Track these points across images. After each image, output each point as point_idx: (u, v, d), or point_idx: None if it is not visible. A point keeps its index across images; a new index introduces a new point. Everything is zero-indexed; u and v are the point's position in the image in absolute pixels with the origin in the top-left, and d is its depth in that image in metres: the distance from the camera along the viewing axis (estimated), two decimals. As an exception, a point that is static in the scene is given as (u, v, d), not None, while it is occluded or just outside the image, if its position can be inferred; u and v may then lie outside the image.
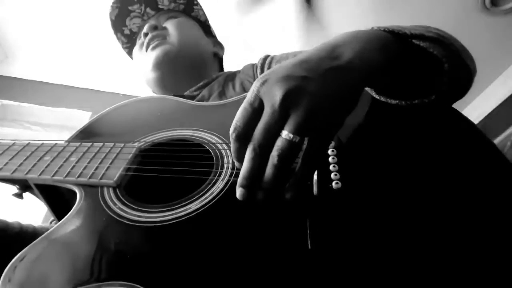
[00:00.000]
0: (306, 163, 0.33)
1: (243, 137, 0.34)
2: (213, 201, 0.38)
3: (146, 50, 0.75)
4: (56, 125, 2.29)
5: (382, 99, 0.46)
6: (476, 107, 2.22)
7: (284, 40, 2.01)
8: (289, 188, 0.34)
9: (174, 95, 0.60)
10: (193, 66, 0.77)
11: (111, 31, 0.86)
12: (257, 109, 0.34)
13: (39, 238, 0.35)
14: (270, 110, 0.32)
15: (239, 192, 0.34)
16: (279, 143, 0.32)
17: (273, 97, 0.32)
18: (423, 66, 0.43)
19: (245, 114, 0.34)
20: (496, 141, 2.08)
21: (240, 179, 0.34)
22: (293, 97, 0.32)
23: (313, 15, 1.89)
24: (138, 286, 0.30)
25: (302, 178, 0.34)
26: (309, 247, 0.31)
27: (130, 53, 0.89)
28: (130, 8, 0.82)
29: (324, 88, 0.33)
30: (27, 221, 0.59)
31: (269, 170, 0.32)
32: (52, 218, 0.69)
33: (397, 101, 0.45)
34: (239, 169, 0.35)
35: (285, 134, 0.32)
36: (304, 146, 0.33)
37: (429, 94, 0.43)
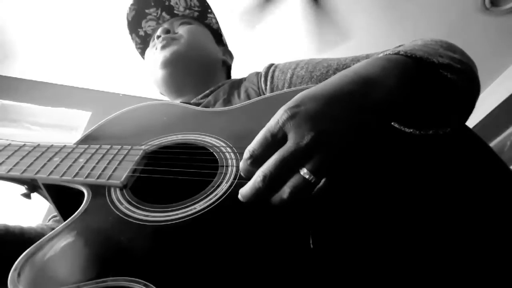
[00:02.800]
0: (318, 197, 0.33)
1: (259, 164, 0.34)
2: (218, 202, 0.38)
3: (158, 51, 0.77)
4: (56, 125, 2.30)
5: (396, 125, 0.44)
6: (476, 107, 2.22)
7: (296, 42, 2.02)
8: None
9: (181, 102, 0.62)
10: (200, 70, 0.79)
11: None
12: (278, 141, 0.33)
13: (46, 236, 0.36)
14: (293, 148, 0.31)
15: (240, 199, 0.35)
16: (294, 180, 0.31)
17: (301, 135, 0.31)
18: (443, 95, 0.42)
19: (264, 143, 0.33)
20: (496, 140, 2.08)
21: (242, 194, 0.34)
22: (323, 141, 0.31)
23: (321, 10, 1.90)
24: (143, 281, 0.31)
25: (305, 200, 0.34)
26: (311, 246, 0.32)
27: (143, 53, 0.91)
28: (147, 11, 0.85)
29: (352, 134, 0.32)
30: (27, 222, 0.59)
31: (276, 199, 0.33)
32: (50, 215, 0.70)
33: (411, 130, 0.43)
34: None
35: (305, 172, 0.31)
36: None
37: (443, 124, 0.42)
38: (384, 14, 1.90)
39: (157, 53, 0.77)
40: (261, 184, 0.32)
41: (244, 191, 0.34)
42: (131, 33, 0.89)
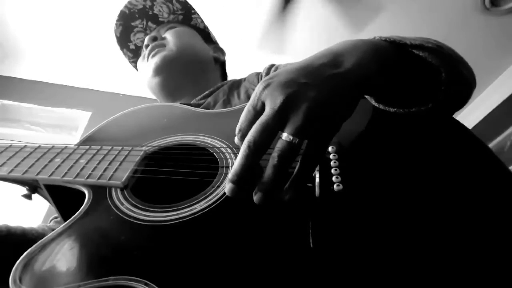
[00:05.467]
0: (305, 165, 0.35)
1: None
2: (218, 202, 0.39)
3: (148, 60, 0.78)
4: (56, 125, 2.29)
5: (381, 107, 0.47)
6: (476, 107, 2.22)
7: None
8: (288, 190, 0.35)
9: (181, 103, 0.62)
10: (192, 70, 0.80)
11: (115, 44, 0.89)
12: (259, 112, 0.35)
13: (48, 236, 0.36)
14: (270, 112, 0.34)
15: (228, 187, 0.34)
16: (279, 145, 0.33)
17: (274, 100, 0.34)
18: (421, 74, 0.44)
19: (248, 116, 0.36)
20: (496, 140, 2.08)
21: (231, 175, 0.34)
22: (293, 101, 0.33)
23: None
24: (144, 281, 0.31)
25: (300, 179, 0.35)
26: (311, 246, 0.33)
27: (137, 67, 0.91)
28: (132, 24, 0.86)
29: (323, 94, 0.34)
30: (27, 222, 0.60)
31: (269, 170, 0.33)
32: (52, 216, 0.71)
33: (395, 109, 0.46)
34: None
35: (285, 136, 0.33)
36: (303, 149, 0.34)
37: (426, 102, 0.45)
38: (384, 14, 1.90)
39: (148, 62, 0.78)
40: (248, 150, 0.33)
41: (234, 167, 0.34)
42: (122, 48, 0.90)
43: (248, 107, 0.36)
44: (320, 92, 0.34)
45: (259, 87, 0.36)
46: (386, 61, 0.40)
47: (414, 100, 0.46)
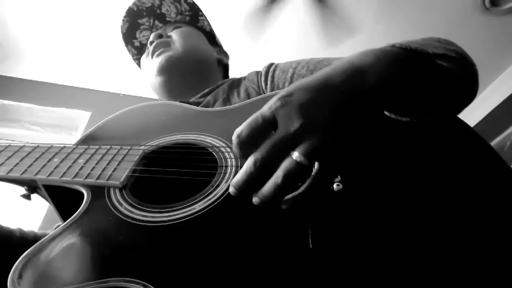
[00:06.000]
0: (312, 187, 0.33)
1: (245, 146, 0.34)
2: (217, 202, 0.39)
3: (152, 58, 0.78)
4: (56, 125, 2.30)
5: (393, 116, 0.44)
6: (476, 107, 2.23)
7: (303, 41, 2.03)
8: (289, 201, 0.34)
9: (180, 102, 0.62)
10: (196, 71, 0.79)
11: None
12: (268, 124, 0.34)
13: (46, 237, 0.36)
14: (284, 133, 0.32)
15: (231, 190, 0.34)
16: (286, 164, 0.32)
17: (292, 122, 0.32)
18: (439, 85, 0.42)
19: (254, 125, 0.34)
20: (496, 140, 2.09)
21: (234, 182, 0.34)
22: (311, 125, 0.32)
23: (325, 7, 1.91)
24: (142, 282, 0.31)
25: (304, 198, 0.34)
26: (310, 246, 0.33)
27: (140, 64, 0.91)
28: (139, 21, 0.86)
29: (343, 119, 0.33)
30: (27, 223, 0.60)
31: (270, 186, 0.32)
32: (57, 224, 0.71)
33: (408, 119, 0.43)
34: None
35: (296, 155, 0.31)
36: (313, 171, 0.33)
37: (437, 110, 0.43)
38: (383, 15, 1.90)
39: (152, 60, 0.77)
40: (253, 168, 0.32)
41: (235, 179, 0.34)
42: (126, 45, 0.90)
43: (257, 115, 0.35)
44: (340, 118, 0.33)
45: (276, 103, 0.34)
46: (410, 76, 0.38)
47: (427, 109, 0.43)
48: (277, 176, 0.32)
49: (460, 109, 0.44)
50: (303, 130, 0.32)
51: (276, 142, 0.32)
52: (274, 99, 0.35)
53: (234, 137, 0.35)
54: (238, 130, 0.35)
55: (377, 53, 0.39)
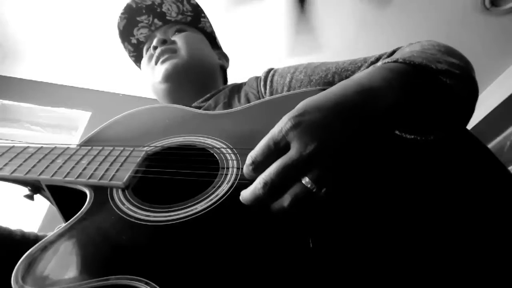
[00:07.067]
0: (318, 208, 0.33)
1: (260, 171, 0.34)
2: (219, 202, 0.39)
3: (156, 63, 0.77)
4: (56, 125, 2.30)
5: (397, 132, 0.44)
6: (476, 107, 2.21)
7: (272, 38, 2.02)
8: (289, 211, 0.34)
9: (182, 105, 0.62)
10: (201, 79, 0.79)
11: (115, 37, 0.88)
12: (280, 149, 0.33)
13: (49, 235, 0.36)
14: (296, 157, 0.32)
15: (242, 201, 0.36)
16: (296, 188, 0.31)
17: (305, 145, 0.32)
18: (442, 102, 0.42)
19: (267, 151, 0.34)
20: (496, 141, 2.08)
21: (242, 198, 0.35)
22: (325, 150, 0.31)
23: (304, 19, 1.90)
24: (144, 280, 0.31)
25: (306, 217, 0.34)
26: (310, 246, 0.33)
27: (136, 61, 0.91)
28: (138, 18, 0.84)
29: (355, 145, 0.33)
30: (26, 224, 0.61)
31: (276, 206, 0.33)
32: (58, 226, 0.71)
33: (413, 136, 0.43)
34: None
35: (306, 181, 0.31)
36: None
37: (441, 126, 0.43)
38: (382, 14, 1.90)
39: (157, 67, 0.77)
40: (261, 191, 0.33)
41: (245, 195, 0.35)
42: (123, 42, 0.88)
43: (268, 141, 0.34)
44: (352, 144, 0.33)
45: (287, 124, 0.33)
46: (417, 97, 0.39)
47: (427, 126, 0.43)
48: (284, 199, 0.32)
49: (461, 125, 0.44)
50: (315, 155, 0.31)
51: (287, 165, 0.32)
52: (285, 119, 0.34)
53: (248, 163, 0.35)
54: (252, 156, 0.35)
55: (385, 74, 0.39)
